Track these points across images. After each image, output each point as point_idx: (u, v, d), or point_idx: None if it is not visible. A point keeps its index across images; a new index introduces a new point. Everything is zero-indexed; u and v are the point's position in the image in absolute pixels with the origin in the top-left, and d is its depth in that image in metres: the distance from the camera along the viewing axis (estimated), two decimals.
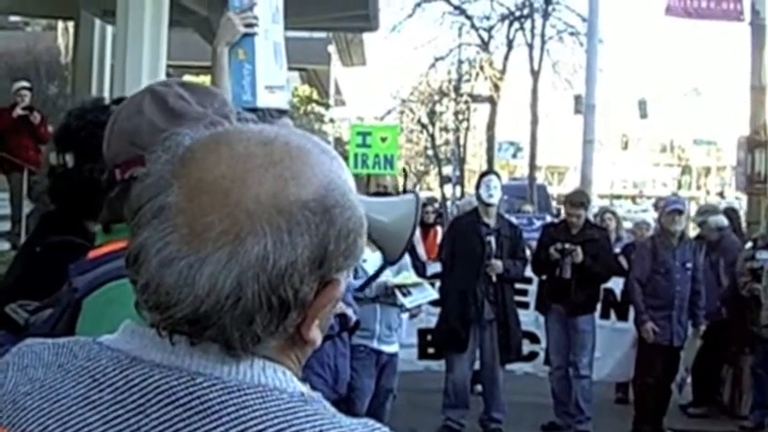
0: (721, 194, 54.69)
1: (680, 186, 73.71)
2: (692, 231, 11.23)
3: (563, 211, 10.02)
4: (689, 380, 10.25)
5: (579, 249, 9.00)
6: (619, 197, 67.63)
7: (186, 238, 1.05)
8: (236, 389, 1.05)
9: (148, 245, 1.07)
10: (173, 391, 1.05)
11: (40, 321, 1.84)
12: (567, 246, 9.03)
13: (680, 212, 9.42)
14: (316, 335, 1.13)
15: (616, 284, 10.13)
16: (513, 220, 10.59)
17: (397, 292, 7.43)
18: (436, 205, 34.20)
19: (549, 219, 15.27)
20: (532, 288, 10.25)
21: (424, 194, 46.84)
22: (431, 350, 9.89)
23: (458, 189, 36.40)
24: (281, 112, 3.43)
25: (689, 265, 9.34)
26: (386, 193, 8.43)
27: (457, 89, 35.18)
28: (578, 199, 9.74)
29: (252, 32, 3.30)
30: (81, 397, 1.09)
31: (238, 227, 1.04)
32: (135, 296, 1.11)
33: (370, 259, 7.44)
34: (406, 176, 11.04)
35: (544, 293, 9.61)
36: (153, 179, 1.11)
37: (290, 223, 1.06)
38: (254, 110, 3.29)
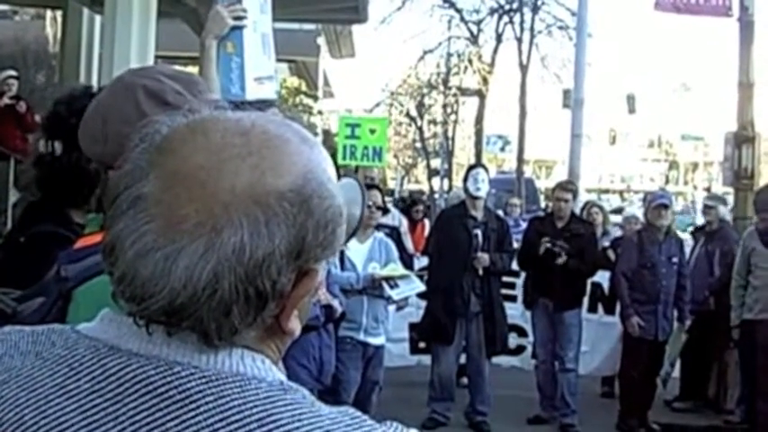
0: (708, 190, 54.80)
1: (667, 181, 73.94)
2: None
3: (550, 206, 10.00)
4: (674, 374, 10.27)
5: (564, 255, 9.01)
6: (606, 191, 67.81)
7: (162, 229, 1.04)
8: (214, 378, 1.04)
9: (124, 236, 1.06)
10: (150, 381, 1.04)
11: (29, 311, 1.83)
12: (558, 244, 9.04)
13: (666, 207, 9.44)
14: (294, 325, 1.13)
15: (603, 278, 10.16)
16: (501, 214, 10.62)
17: (385, 285, 7.44)
18: (424, 197, 34.31)
19: None
20: (520, 281, 10.26)
21: (411, 187, 46.90)
22: (422, 344, 9.89)
23: (446, 182, 36.41)
24: (268, 103, 3.43)
25: (675, 259, 9.37)
26: (373, 186, 8.41)
27: (446, 82, 35.18)
28: (568, 184, 9.82)
29: (240, 25, 3.29)
30: (58, 386, 1.08)
31: (214, 218, 1.03)
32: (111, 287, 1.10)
33: (356, 250, 7.49)
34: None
35: (530, 287, 9.62)
36: (129, 168, 1.10)
37: (267, 214, 1.05)
38: (241, 103, 3.28)
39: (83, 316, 1.31)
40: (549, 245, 9.04)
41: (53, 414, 1.06)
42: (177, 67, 2.34)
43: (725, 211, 10.82)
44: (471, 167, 9.77)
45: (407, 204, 15.52)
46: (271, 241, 1.04)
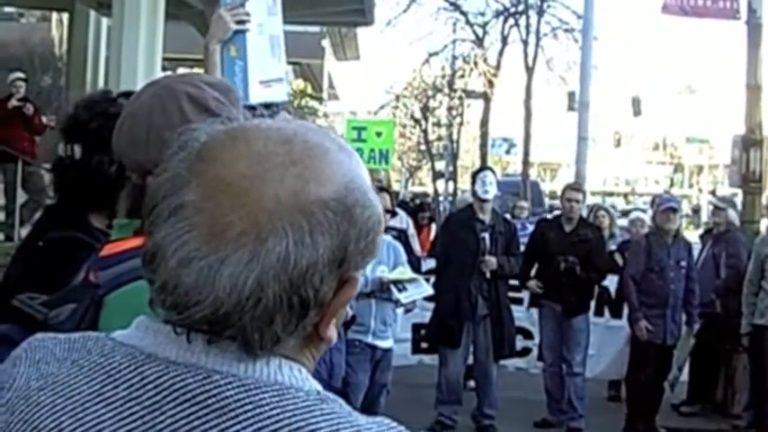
0: (713, 193, 54.80)
1: (672, 184, 73.87)
2: (686, 230, 11.18)
3: (556, 208, 9.96)
4: (681, 378, 10.26)
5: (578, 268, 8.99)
6: (611, 194, 67.78)
7: (205, 237, 1.04)
8: (252, 387, 1.04)
9: (166, 244, 1.06)
10: (188, 389, 1.04)
11: (62, 317, 1.82)
12: (571, 260, 9.02)
13: (674, 211, 9.43)
14: (332, 333, 1.13)
15: (610, 282, 10.14)
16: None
17: (393, 288, 7.44)
18: (429, 200, 34.27)
19: None
20: None
21: (416, 189, 46.89)
22: (424, 345, 9.89)
23: (450, 185, 36.38)
24: (276, 106, 3.43)
25: (683, 263, 9.34)
26: (382, 189, 8.41)
27: (451, 85, 35.13)
28: (578, 185, 9.79)
29: (243, 29, 3.28)
30: (95, 393, 1.08)
31: (259, 227, 1.03)
32: (150, 294, 1.10)
33: None
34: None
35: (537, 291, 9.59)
36: (169, 176, 1.10)
37: (312, 223, 1.05)
38: (250, 107, 3.28)
39: (115, 323, 1.31)
40: (564, 263, 9.01)
41: (90, 421, 1.06)
42: (215, 76, 2.34)
43: (734, 215, 10.82)
44: (479, 170, 9.77)
45: (412, 209, 15.52)
46: (315, 250, 1.05)
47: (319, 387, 1.10)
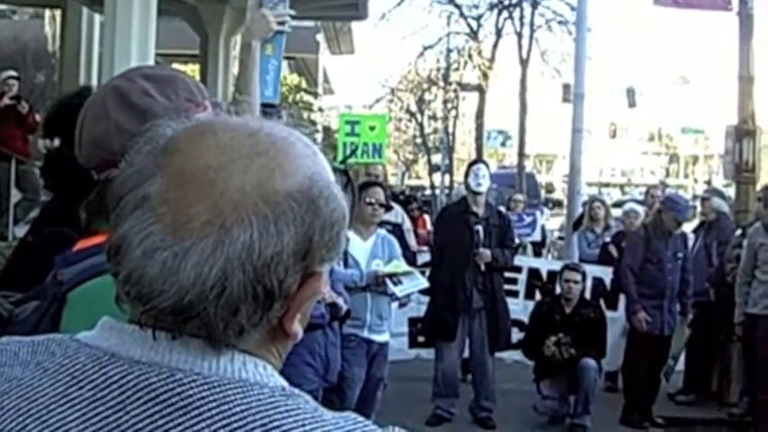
0: (708, 183, 54.82)
1: (668, 175, 73.98)
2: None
3: (557, 283, 9.70)
4: (677, 368, 10.28)
5: (572, 350, 8.89)
6: (607, 185, 67.74)
7: (170, 228, 1.04)
8: (216, 384, 1.04)
9: (131, 235, 1.06)
10: (152, 388, 1.04)
11: (25, 314, 1.83)
12: (564, 341, 8.93)
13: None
14: (297, 328, 1.13)
15: (605, 274, 10.16)
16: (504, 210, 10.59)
17: (388, 281, 7.42)
18: (426, 192, 34.19)
19: (538, 214, 15.28)
20: (522, 277, 10.28)
21: (413, 183, 46.87)
22: (421, 339, 9.90)
23: (446, 177, 36.42)
24: (276, 106, 3.45)
25: (680, 254, 9.39)
26: (376, 183, 8.40)
27: (446, 78, 35.18)
28: (576, 266, 9.59)
29: (283, 30, 3.32)
30: (60, 395, 1.07)
31: (223, 216, 1.04)
32: (115, 289, 1.10)
33: (360, 248, 7.49)
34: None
35: (535, 371, 9.40)
36: (134, 169, 1.10)
37: (276, 213, 1.06)
38: (271, 105, 3.31)
39: (78, 319, 1.32)
40: (554, 348, 8.94)
41: (55, 423, 1.06)
42: (166, 67, 2.33)
43: (720, 203, 10.81)
44: (472, 163, 9.77)
45: (401, 202, 15.53)
46: (279, 240, 1.05)
47: (285, 383, 1.10)
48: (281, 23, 3.28)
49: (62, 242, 2.08)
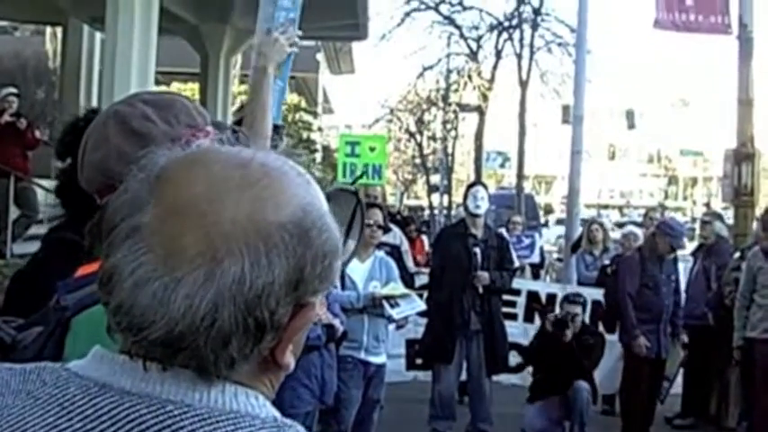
0: (707, 205, 54.86)
1: (666, 197, 74.03)
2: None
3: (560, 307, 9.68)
4: (675, 391, 10.26)
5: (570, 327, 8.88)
6: (606, 207, 67.81)
7: (161, 258, 1.04)
8: (207, 416, 1.04)
9: (122, 265, 1.06)
10: (142, 420, 1.03)
11: (28, 340, 1.82)
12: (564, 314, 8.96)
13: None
14: (289, 359, 1.12)
15: (601, 296, 10.15)
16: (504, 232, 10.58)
17: (385, 304, 7.41)
18: (425, 212, 34.15)
19: (536, 236, 15.26)
20: (521, 299, 10.26)
21: (411, 203, 46.86)
22: (419, 361, 9.87)
23: (445, 198, 36.44)
24: (279, 129, 3.46)
25: (673, 277, 9.47)
26: (374, 204, 8.39)
27: (445, 98, 35.24)
28: (576, 297, 9.55)
29: (292, 51, 3.33)
30: (50, 425, 1.07)
31: (215, 248, 1.03)
32: (106, 318, 1.10)
33: (358, 269, 7.48)
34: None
35: (534, 387, 9.39)
36: (127, 198, 1.10)
37: (268, 245, 1.05)
38: (275, 126, 3.32)
39: (81, 345, 1.31)
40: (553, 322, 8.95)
41: None
42: (167, 92, 2.33)
43: (720, 227, 10.84)
44: (471, 185, 9.74)
45: (399, 222, 15.51)
46: (270, 272, 1.05)
47: (277, 414, 1.09)
48: (291, 45, 3.29)
49: (69, 246, 2.07)
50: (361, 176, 10.72)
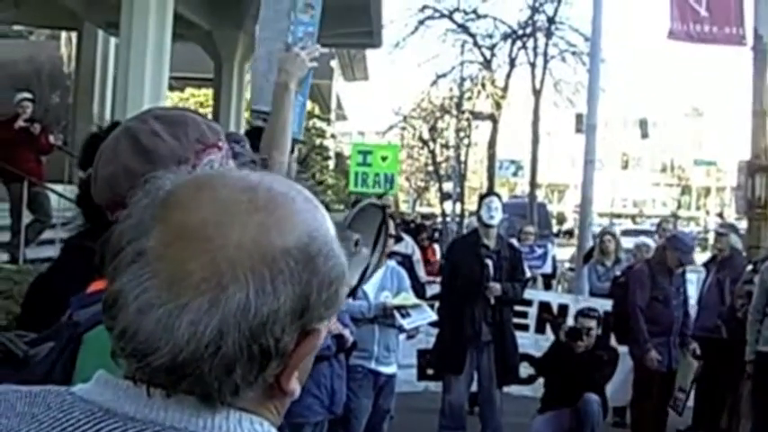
0: (720, 215, 54.69)
1: (680, 206, 73.89)
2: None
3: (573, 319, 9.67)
4: (689, 403, 10.21)
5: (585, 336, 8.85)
6: (619, 216, 67.74)
7: (166, 284, 1.03)
8: None
9: (126, 290, 1.05)
10: None
11: (40, 355, 1.82)
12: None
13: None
14: (295, 386, 1.11)
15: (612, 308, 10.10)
16: (515, 243, 10.55)
17: (396, 314, 7.40)
18: (437, 220, 34.08)
19: (549, 245, 15.23)
20: (532, 310, 10.23)
21: (424, 210, 46.81)
22: (430, 371, 9.85)
23: (458, 206, 36.44)
24: (295, 143, 3.47)
25: (681, 289, 9.48)
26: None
27: (459, 106, 35.25)
28: (590, 311, 9.52)
29: (313, 65, 3.33)
30: None
31: (220, 274, 1.02)
32: (110, 344, 1.09)
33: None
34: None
35: (546, 397, 9.34)
36: (132, 222, 1.09)
37: (273, 272, 1.04)
38: (297, 141, 3.32)
39: (92, 361, 1.30)
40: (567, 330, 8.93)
41: None
42: (180, 107, 2.34)
43: (736, 239, 10.80)
44: (484, 195, 9.72)
45: (411, 231, 15.52)
46: (276, 299, 1.04)
47: None
48: (312, 60, 3.30)
49: (85, 256, 2.07)
50: (385, 193, 10.75)
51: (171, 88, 17.19)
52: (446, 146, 37.95)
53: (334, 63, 32.28)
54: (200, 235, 1.04)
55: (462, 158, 36.82)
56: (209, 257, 1.03)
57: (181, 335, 1.01)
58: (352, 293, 2.30)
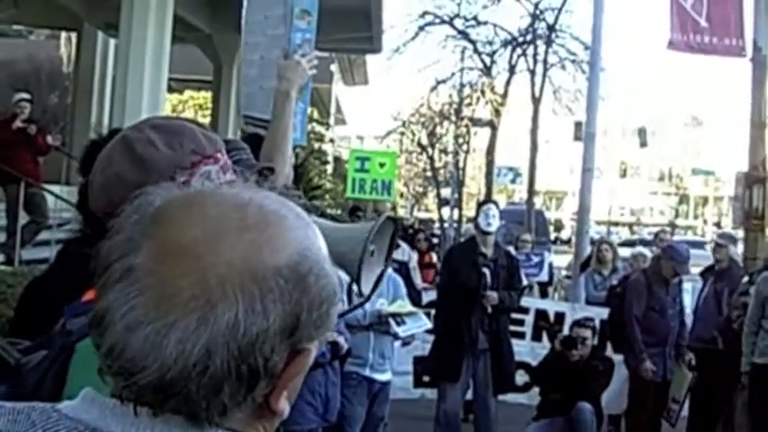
0: (718, 225, 54.72)
1: (677, 215, 73.93)
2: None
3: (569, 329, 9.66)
4: (683, 413, 10.19)
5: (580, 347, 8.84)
6: (616, 224, 67.80)
7: (154, 301, 1.02)
8: None
9: (114, 307, 1.03)
10: None
11: (33, 363, 1.81)
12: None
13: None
14: (284, 406, 1.10)
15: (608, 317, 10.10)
16: (512, 250, 10.55)
17: (391, 321, 7.39)
18: (434, 225, 34.06)
19: (546, 253, 15.22)
20: (529, 318, 10.20)
21: (422, 215, 46.81)
22: (426, 378, 9.83)
23: (455, 212, 36.44)
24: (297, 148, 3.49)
25: (677, 299, 9.47)
26: None
27: (458, 112, 35.27)
28: (586, 321, 9.51)
29: (312, 72, 3.33)
30: None
31: (209, 292, 1.01)
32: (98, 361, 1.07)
33: None
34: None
35: (541, 405, 9.34)
36: (122, 238, 1.08)
37: (263, 290, 1.03)
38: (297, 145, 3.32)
39: (84, 371, 1.29)
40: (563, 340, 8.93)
41: None
42: (178, 118, 2.32)
43: (734, 251, 10.78)
44: (482, 203, 9.72)
45: (409, 236, 15.50)
46: (265, 318, 1.02)
47: None
48: (311, 67, 3.30)
49: (82, 262, 2.07)
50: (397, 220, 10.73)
51: (170, 90, 17.18)
52: (445, 152, 37.95)
53: (333, 67, 32.27)
54: (190, 252, 1.03)
55: (461, 165, 36.81)
56: (198, 275, 1.01)
57: (169, 353, 1.00)
58: (366, 301, 2.32)
